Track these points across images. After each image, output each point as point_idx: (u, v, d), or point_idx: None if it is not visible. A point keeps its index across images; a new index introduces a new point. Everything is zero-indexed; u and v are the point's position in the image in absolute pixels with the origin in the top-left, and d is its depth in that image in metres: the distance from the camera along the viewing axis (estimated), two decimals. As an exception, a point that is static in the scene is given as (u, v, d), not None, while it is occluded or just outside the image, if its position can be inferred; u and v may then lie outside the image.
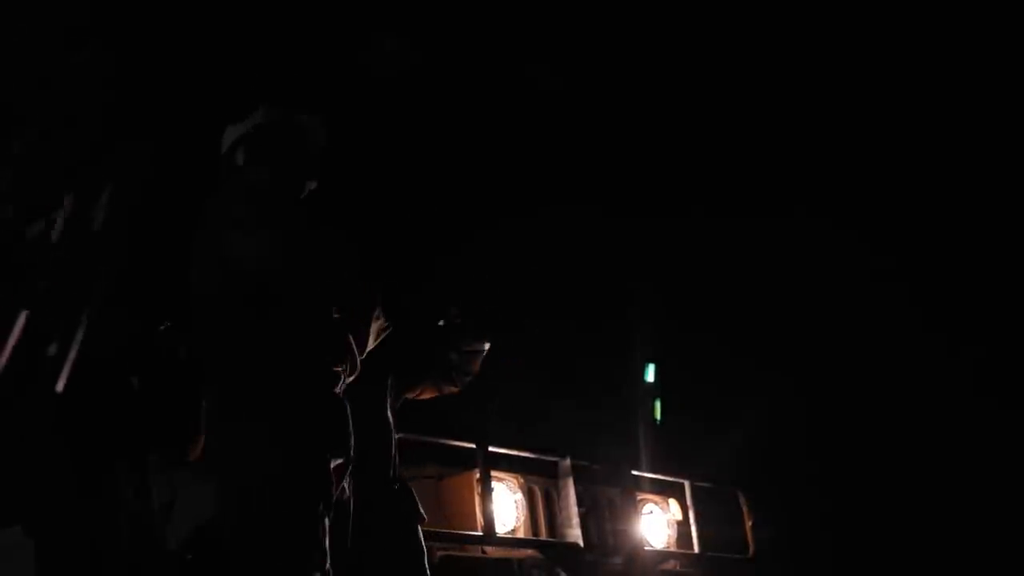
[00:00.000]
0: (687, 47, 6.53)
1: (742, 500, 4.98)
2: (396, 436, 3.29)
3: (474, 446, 3.98)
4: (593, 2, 6.27)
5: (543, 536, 4.18)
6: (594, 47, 6.38)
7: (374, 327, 2.85)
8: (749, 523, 4.92)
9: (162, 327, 2.81)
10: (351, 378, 2.63)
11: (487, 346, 3.56)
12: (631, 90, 6.69)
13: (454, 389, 3.58)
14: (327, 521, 2.44)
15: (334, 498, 2.50)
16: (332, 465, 2.49)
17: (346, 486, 2.59)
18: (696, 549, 4.64)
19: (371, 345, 2.80)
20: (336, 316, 2.65)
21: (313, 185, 2.83)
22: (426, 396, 3.58)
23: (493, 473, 3.99)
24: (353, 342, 2.65)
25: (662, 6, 6.33)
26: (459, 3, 5.77)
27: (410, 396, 3.53)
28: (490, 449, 4.00)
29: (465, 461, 4.01)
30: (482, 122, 6.15)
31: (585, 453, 4.43)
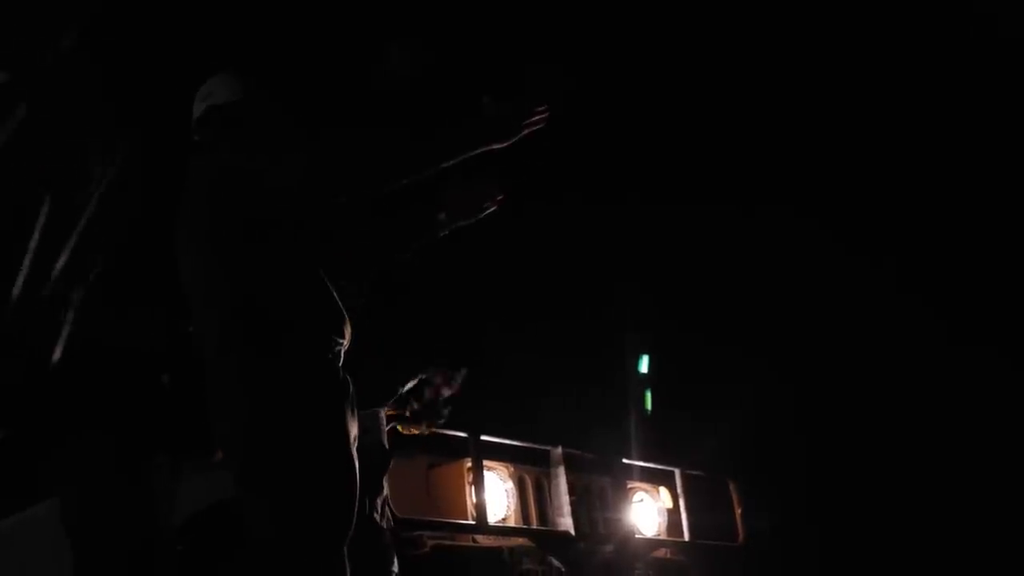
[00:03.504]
0: (676, 41, 6.54)
1: (732, 488, 5.01)
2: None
3: (465, 435, 3.98)
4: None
5: (534, 525, 4.18)
6: (580, 42, 6.38)
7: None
8: (739, 511, 4.95)
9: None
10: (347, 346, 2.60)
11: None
12: (620, 85, 6.70)
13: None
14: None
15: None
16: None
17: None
18: (686, 537, 4.67)
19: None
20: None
21: None
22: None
23: (484, 462, 3.99)
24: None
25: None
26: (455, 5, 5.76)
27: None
28: (481, 438, 4.01)
29: (456, 450, 4.02)
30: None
31: (576, 442, 4.44)
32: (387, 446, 3.30)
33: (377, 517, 3.14)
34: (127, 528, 2.59)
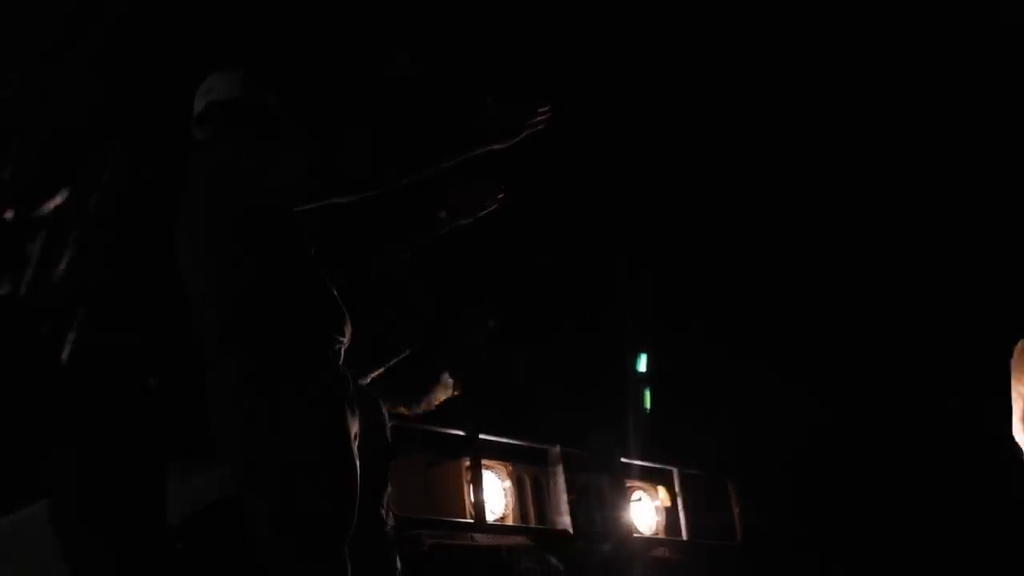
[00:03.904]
0: (672, 40, 6.53)
1: (730, 487, 5.02)
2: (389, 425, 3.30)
3: (464, 434, 3.99)
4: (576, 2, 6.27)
5: (533, 523, 4.20)
6: (581, 43, 6.38)
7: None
8: (737, 510, 4.96)
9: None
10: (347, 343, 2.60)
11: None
12: (620, 85, 6.70)
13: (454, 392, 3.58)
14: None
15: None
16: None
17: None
18: (684, 536, 4.68)
19: None
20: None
21: None
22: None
23: (483, 461, 4.00)
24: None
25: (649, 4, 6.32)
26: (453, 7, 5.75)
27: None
28: (480, 437, 4.02)
29: (455, 449, 4.03)
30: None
31: (574, 441, 4.45)
32: (389, 439, 3.31)
33: (383, 512, 3.15)
34: (116, 529, 2.60)
